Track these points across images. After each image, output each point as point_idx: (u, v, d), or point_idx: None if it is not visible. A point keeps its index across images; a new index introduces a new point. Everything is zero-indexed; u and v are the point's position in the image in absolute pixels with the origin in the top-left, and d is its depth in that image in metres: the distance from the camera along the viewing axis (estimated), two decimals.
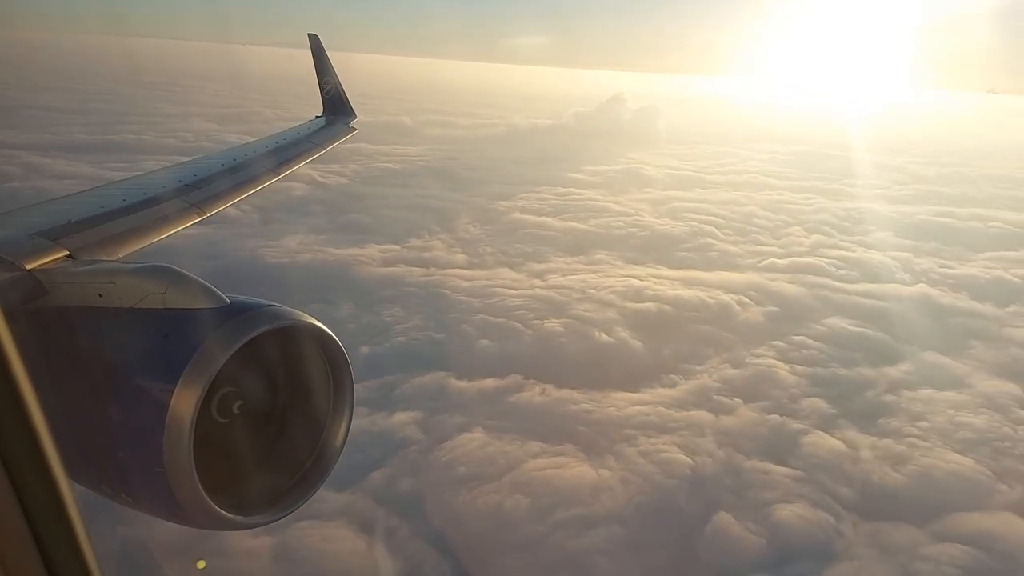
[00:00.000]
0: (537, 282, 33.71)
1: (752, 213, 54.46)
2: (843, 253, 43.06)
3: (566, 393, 22.56)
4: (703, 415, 22.08)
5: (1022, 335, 31.13)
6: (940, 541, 16.57)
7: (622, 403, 22.42)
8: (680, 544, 15.99)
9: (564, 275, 35.08)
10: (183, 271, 2.43)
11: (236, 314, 2.28)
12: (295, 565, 13.52)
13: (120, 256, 3.47)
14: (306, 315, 2.43)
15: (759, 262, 40.39)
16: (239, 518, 2.33)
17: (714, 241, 44.83)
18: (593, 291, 32.50)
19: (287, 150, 6.93)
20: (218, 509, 2.23)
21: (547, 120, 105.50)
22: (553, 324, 28.12)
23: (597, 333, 27.70)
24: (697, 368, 25.68)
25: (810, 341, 28.69)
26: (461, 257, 37.46)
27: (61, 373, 2.42)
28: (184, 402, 2.11)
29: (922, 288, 36.95)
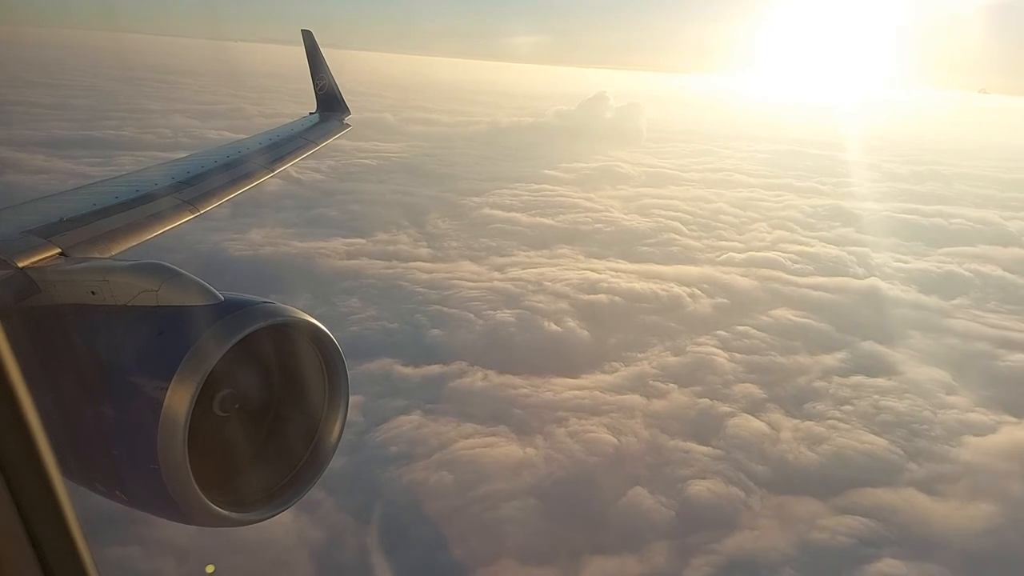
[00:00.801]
0: (496, 275, 34.63)
1: (720, 210, 55.49)
2: (802, 248, 44.09)
3: (507, 379, 23.48)
4: (636, 399, 23.05)
5: (962, 325, 32.27)
6: (840, 514, 17.59)
7: (560, 388, 23.35)
8: (591, 516, 16.93)
9: (524, 268, 35.99)
10: (177, 268, 2.44)
11: (230, 311, 2.28)
12: (215, 535, 14.37)
13: (113, 254, 3.46)
14: (301, 312, 2.44)
15: (718, 256, 41.42)
16: (234, 515, 2.33)
17: (678, 236, 45.83)
18: (549, 283, 33.42)
19: (281, 147, 6.95)
20: (213, 506, 2.24)
21: (530, 118, 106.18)
22: (505, 315, 29.04)
23: (546, 323, 28.64)
24: (639, 356, 26.64)
25: (753, 331, 29.70)
26: (425, 251, 38.33)
27: (55, 371, 2.41)
28: (178, 399, 2.11)
29: (873, 282, 38.02)
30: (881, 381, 25.74)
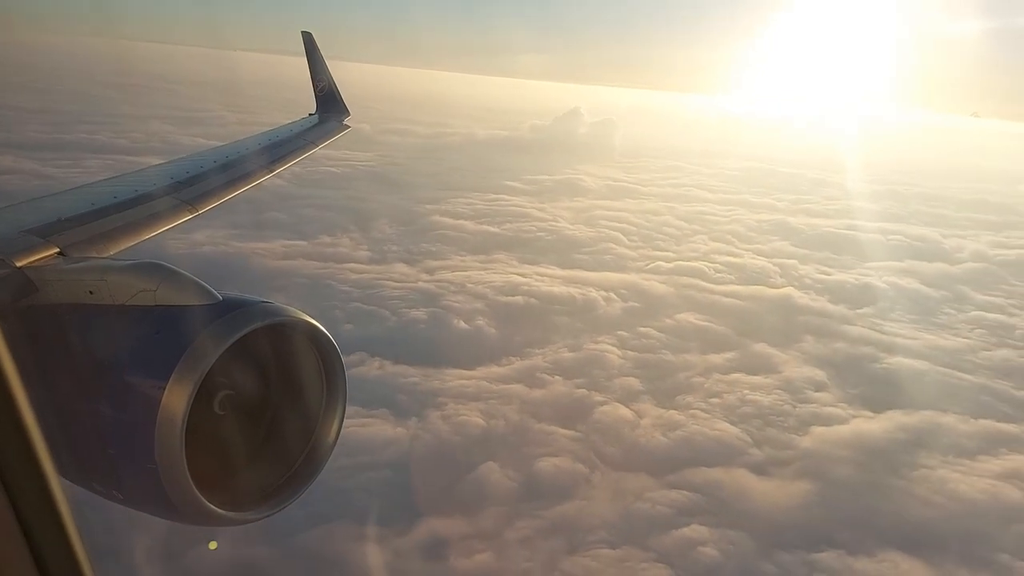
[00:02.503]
0: (424, 276, 36.59)
1: (666, 223, 57.61)
2: (731, 259, 46.16)
3: (401, 368, 25.33)
4: (518, 388, 24.91)
5: (856, 332, 34.23)
6: (668, 488, 19.43)
7: (450, 378, 25.21)
8: (439, 486, 18.74)
9: (453, 271, 37.94)
10: (175, 268, 2.45)
11: (228, 311, 2.30)
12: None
13: (111, 253, 3.47)
14: (299, 312, 2.46)
15: (646, 265, 43.43)
16: (231, 514, 2.34)
17: (615, 246, 47.85)
18: (472, 286, 35.37)
19: (279, 147, 6.98)
20: (210, 505, 2.25)
21: (504, 131, 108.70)
22: (419, 312, 30.96)
23: (457, 321, 30.55)
24: (536, 351, 28.51)
25: (654, 332, 31.63)
26: (364, 254, 40.23)
27: (52, 371, 2.41)
28: (176, 399, 2.13)
29: (788, 291, 40.04)
30: (758, 379, 27.65)
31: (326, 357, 2.59)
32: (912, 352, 31.60)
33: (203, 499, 2.22)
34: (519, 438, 21.58)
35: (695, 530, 17.53)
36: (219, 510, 2.29)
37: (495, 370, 26.43)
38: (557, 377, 26.12)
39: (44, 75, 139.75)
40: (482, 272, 38.35)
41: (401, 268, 37.94)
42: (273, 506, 2.52)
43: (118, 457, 2.31)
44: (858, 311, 37.80)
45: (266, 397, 2.59)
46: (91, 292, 2.48)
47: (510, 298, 34.12)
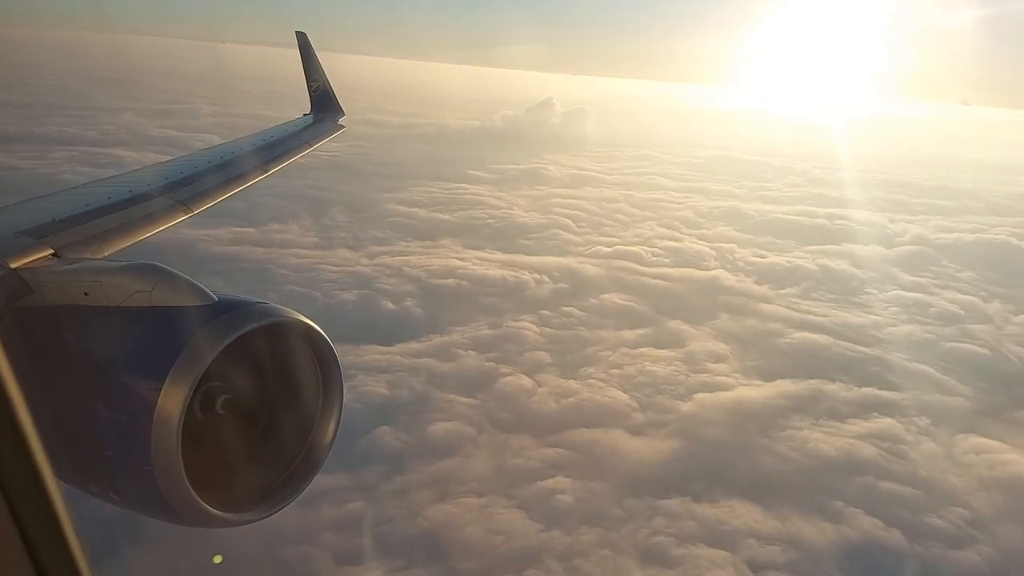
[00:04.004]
0: (364, 261, 38.20)
1: (619, 210, 59.29)
2: (672, 244, 47.91)
3: None
4: (430, 362, 26.59)
5: (771, 310, 36.02)
6: (545, 447, 21.17)
7: (366, 354, 26.85)
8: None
9: (394, 256, 39.55)
10: (170, 269, 2.48)
11: (224, 311, 2.33)
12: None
13: (106, 254, 3.47)
14: (295, 312, 2.49)
15: (587, 249, 45.10)
16: (228, 515, 2.37)
17: (562, 232, 49.50)
18: (409, 269, 37.02)
19: (274, 147, 7.03)
20: (207, 506, 2.27)
21: (478, 121, 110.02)
22: (350, 294, 32.60)
23: (385, 302, 32.20)
24: (456, 329, 30.18)
25: (576, 311, 33.34)
26: (311, 240, 41.80)
27: (47, 372, 2.42)
28: (172, 400, 2.14)
29: (717, 273, 41.81)
30: (663, 352, 29.39)
31: (322, 357, 2.64)
32: (819, 328, 33.40)
33: (200, 500, 2.24)
34: (419, 406, 23.26)
35: (558, 481, 19.28)
36: (216, 511, 2.31)
37: (412, 346, 28.09)
38: (471, 352, 27.81)
39: (20, 69, 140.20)
40: (422, 257, 39.97)
41: (344, 253, 39.52)
42: (271, 507, 2.54)
43: (114, 459, 2.32)
44: (780, 291, 39.59)
45: (262, 398, 2.62)
46: (86, 293, 2.49)
47: (443, 281, 35.79)
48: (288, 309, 2.50)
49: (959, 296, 41.25)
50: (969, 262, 49.55)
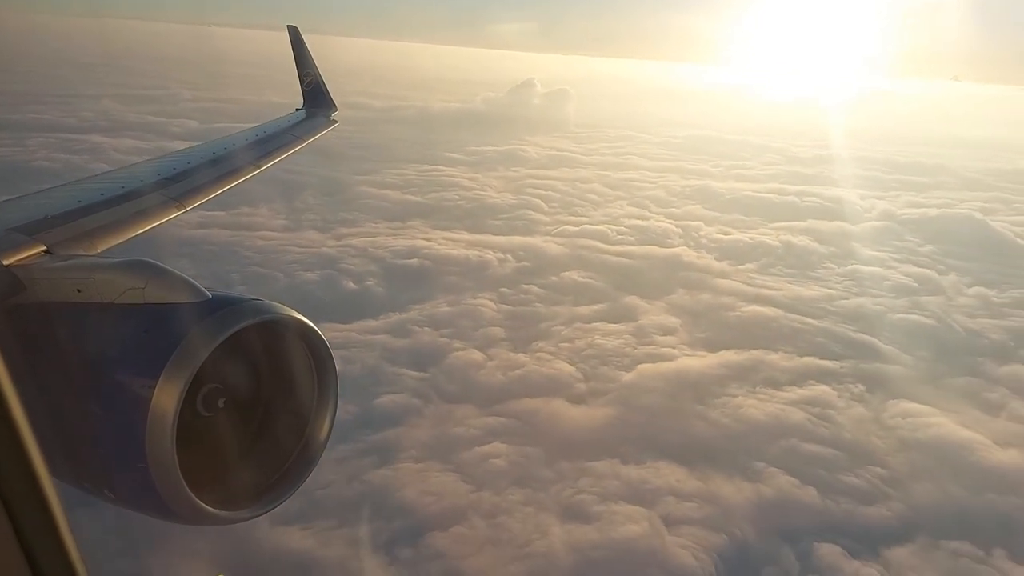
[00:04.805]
0: (331, 242, 38.93)
1: (592, 190, 60.01)
2: (639, 223, 48.66)
3: None
4: (386, 338, 27.46)
5: (727, 285, 36.95)
6: (487, 416, 22.12)
7: (323, 331, 27.32)
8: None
9: (361, 237, 40.26)
10: (163, 266, 2.48)
11: (218, 308, 2.33)
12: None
13: (99, 251, 3.46)
14: (289, 309, 2.51)
15: (554, 229, 45.87)
16: (223, 513, 2.37)
17: (532, 212, 50.23)
18: (374, 250, 37.75)
19: (267, 143, 7.03)
20: (202, 504, 2.27)
21: (459, 104, 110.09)
22: (312, 274, 33.37)
23: (346, 281, 32.99)
24: (416, 307, 31.01)
25: (535, 288, 34.19)
26: (280, 222, 42.41)
27: (40, 370, 2.42)
28: (166, 397, 2.14)
29: (679, 250, 42.68)
30: (615, 326, 30.29)
31: (317, 354, 2.66)
32: (770, 301, 34.36)
33: (195, 498, 2.24)
34: (369, 380, 24.12)
35: (495, 447, 20.25)
36: (211, 509, 2.31)
37: (370, 323, 28.92)
38: (426, 328, 28.68)
39: (5, 57, 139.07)
40: (389, 238, 40.69)
41: (311, 235, 40.25)
42: (266, 504, 2.54)
43: (108, 456, 2.33)
44: (739, 267, 40.51)
45: (257, 395, 2.61)
46: (79, 290, 2.48)
47: (406, 261, 36.56)
48: (282, 306, 2.50)
49: (915, 269, 42.28)
50: (932, 236, 50.54)
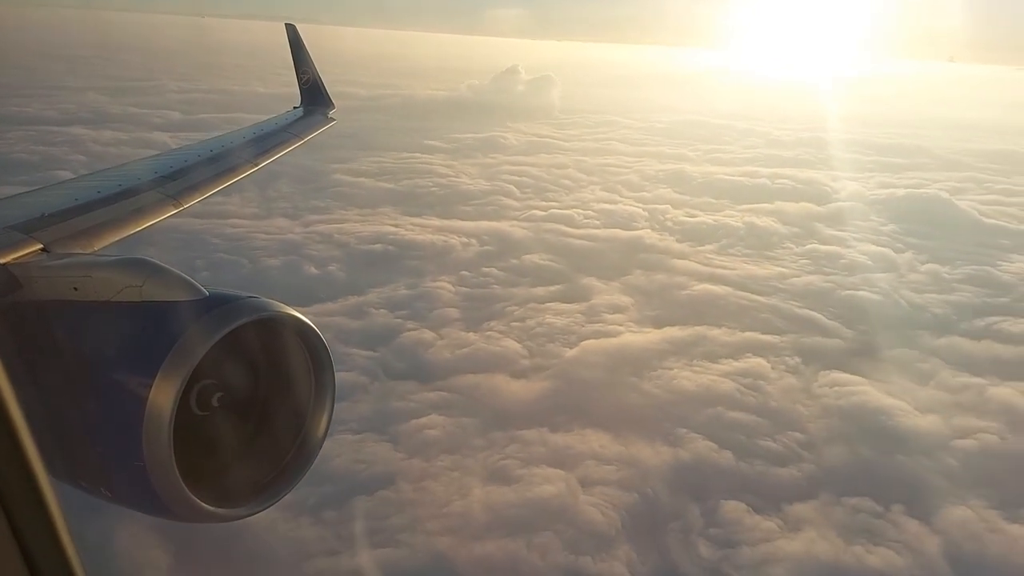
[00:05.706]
0: (298, 229, 39.91)
1: (567, 175, 60.85)
2: (607, 207, 49.58)
3: None
4: (341, 320, 28.49)
5: (683, 265, 37.96)
6: (430, 391, 23.21)
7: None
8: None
9: (329, 224, 41.24)
10: (161, 264, 2.52)
11: (215, 306, 2.35)
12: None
13: (96, 249, 3.46)
14: (286, 306, 2.56)
15: (522, 214, 46.81)
16: (220, 511, 2.39)
17: (504, 198, 51.15)
18: (339, 236, 38.74)
19: (264, 141, 7.14)
20: (199, 502, 2.29)
21: (445, 91, 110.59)
22: (275, 260, 34.38)
23: (308, 267, 34.01)
24: (374, 290, 32.02)
25: (495, 271, 35.20)
26: (251, 210, 43.29)
27: (37, 368, 2.43)
28: (163, 395, 2.16)
29: (642, 233, 43.66)
30: (568, 306, 31.33)
31: (314, 351, 2.68)
32: (722, 280, 35.38)
33: (192, 496, 2.25)
34: None
35: (431, 419, 21.34)
36: (209, 507, 2.33)
37: (328, 306, 29.91)
38: (382, 310, 29.71)
39: None
40: (357, 224, 41.66)
41: (280, 222, 41.19)
42: (263, 501, 2.56)
43: (106, 455, 2.33)
44: (699, 248, 41.49)
45: (254, 392, 2.63)
46: (76, 289, 2.49)
47: (371, 246, 37.56)
48: (280, 303, 2.56)
49: (872, 248, 43.29)
50: (896, 216, 51.42)
